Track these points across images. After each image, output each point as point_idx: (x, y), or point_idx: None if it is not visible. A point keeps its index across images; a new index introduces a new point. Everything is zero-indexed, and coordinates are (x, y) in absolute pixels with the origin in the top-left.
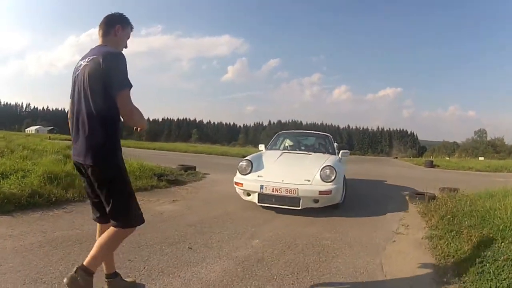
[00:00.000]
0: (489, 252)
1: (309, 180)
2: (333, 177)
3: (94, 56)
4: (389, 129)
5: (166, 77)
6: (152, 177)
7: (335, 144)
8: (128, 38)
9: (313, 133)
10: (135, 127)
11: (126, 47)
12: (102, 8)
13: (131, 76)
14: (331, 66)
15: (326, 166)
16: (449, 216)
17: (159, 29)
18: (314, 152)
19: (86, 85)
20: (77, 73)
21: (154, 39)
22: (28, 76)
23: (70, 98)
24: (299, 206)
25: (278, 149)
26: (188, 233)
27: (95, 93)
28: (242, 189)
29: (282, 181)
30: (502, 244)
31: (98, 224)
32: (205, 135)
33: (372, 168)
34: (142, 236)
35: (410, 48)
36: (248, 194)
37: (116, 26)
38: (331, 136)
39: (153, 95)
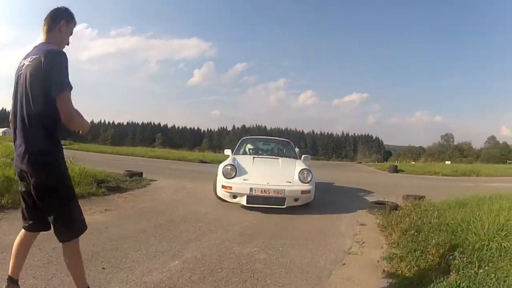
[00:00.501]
0: (464, 283)
1: (290, 182)
2: (309, 179)
3: (36, 56)
4: (354, 134)
5: (134, 79)
6: (92, 183)
7: (297, 149)
8: (71, 34)
9: (275, 139)
10: (77, 131)
11: (68, 44)
12: (75, 7)
13: (102, 77)
14: (299, 71)
15: (303, 169)
16: (413, 231)
17: (129, 30)
18: (280, 156)
19: (28, 86)
20: (19, 73)
21: (124, 40)
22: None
23: (12, 99)
24: (284, 205)
25: (245, 154)
26: (105, 249)
27: (37, 95)
28: (229, 192)
29: (268, 183)
30: (480, 271)
31: (21, 232)
32: (169, 139)
33: (333, 173)
34: (56, 251)
35: (377, 54)
36: (234, 197)
37: (61, 21)
38: (291, 142)
39: (121, 97)
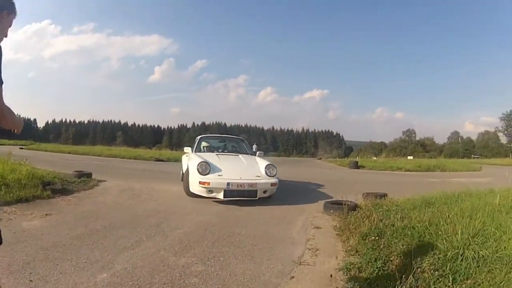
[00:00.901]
0: None
1: (259, 176)
2: (275, 173)
3: None
4: (315, 130)
5: (95, 77)
6: (38, 185)
7: (254, 146)
8: (10, 26)
9: (230, 137)
10: (11, 129)
11: (6, 36)
12: (38, 4)
13: (63, 75)
14: (259, 68)
15: (269, 164)
16: (373, 236)
17: (91, 27)
18: (237, 153)
19: None
20: None
21: (86, 37)
22: None
23: None
24: (256, 197)
25: (204, 151)
26: (37, 259)
27: None
28: (206, 187)
29: (240, 178)
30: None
31: None
32: (129, 137)
33: (291, 170)
34: None
35: (338, 50)
36: (211, 192)
37: (3, 11)
38: (245, 140)
39: (82, 96)
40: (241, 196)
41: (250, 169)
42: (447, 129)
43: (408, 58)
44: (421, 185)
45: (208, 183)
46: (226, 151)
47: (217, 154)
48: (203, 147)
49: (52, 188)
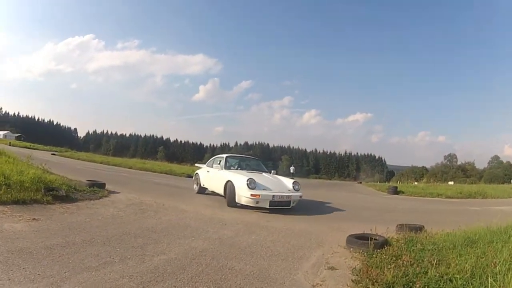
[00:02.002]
0: None
1: (290, 190)
2: (299, 188)
3: None
4: (357, 153)
5: (139, 92)
6: (40, 190)
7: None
8: None
9: (249, 157)
10: None
11: None
12: (82, 17)
13: (106, 89)
14: (303, 90)
15: (295, 181)
16: None
17: (135, 43)
18: (259, 171)
19: None
20: None
21: (130, 53)
22: (4, 80)
23: None
24: (290, 206)
25: (231, 168)
26: None
27: None
28: (256, 199)
29: (279, 191)
30: None
31: None
32: (171, 153)
33: (326, 194)
34: None
35: (382, 74)
36: (257, 202)
37: None
38: (260, 160)
39: (125, 110)
40: (280, 206)
41: (282, 184)
42: (487, 153)
43: (451, 77)
44: (462, 214)
45: (259, 196)
46: (248, 169)
47: (247, 171)
48: (230, 165)
49: (54, 194)
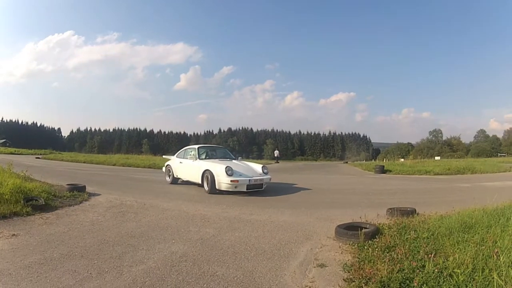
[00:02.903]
0: None
1: (260, 174)
2: (267, 171)
3: None
4: (342, 133)
5: (120, 86)
6: (19, 201)
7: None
8: None
9: (218, 146)
10: None
11: None
12: (60, 15)
13: (87, 85)
14: (285, 72)
15: (263, 166)
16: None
17: (115, 36)
18: (228, 158)
19: None
20: None
21: (110, 47)
22: None
23: None
24: (262, 188)
25: (203, 158)
26: None
27: None
28: (235, 184)
29: (252, 176)
30: None
31: None
32: (155, 145)
33: (310, 178)
34: None
35: (362, 51)
36: (236, 187)
37: None
38: (227, 148)
39: (107, 105)
40: (255, 188)
41: (253, 169)
42: (472, 128)
43: (434, 55)
44: (453, 193)
45: (237, 181)
46: (219, 157)
47: (220, 160)
48: (203, 155)
49: (33, 204)
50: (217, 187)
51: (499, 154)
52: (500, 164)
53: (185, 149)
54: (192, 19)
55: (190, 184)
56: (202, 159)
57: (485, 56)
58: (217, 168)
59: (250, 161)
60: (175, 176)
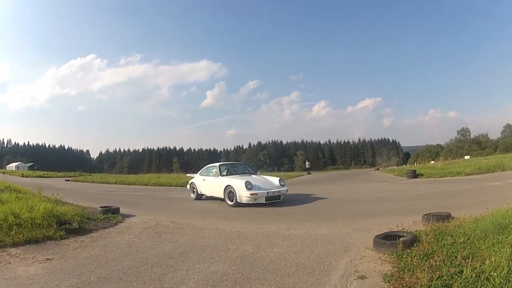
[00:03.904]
0: None
1: (277, 186)
2: (284, 183)
3: None
4: (371, 139)
5: (146, 106)
6: (52, 225)
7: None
8: None
9: (238, 163)
10: None
11: None
12: (82, 39)
13: (113, 106)
14: (309, 83)
15: (280, 179)
16: None
17: (138, 58)
18: (248, 174)
19: None
20: None
21: (133, 68)
22: (9, 110)
23: None
24: (280, 199)
25: (225, 174)
26: None
27: None
28: (254, 197)
29: (270, 189)
30: None
31: None
32: (185, 163)
33: (343, 188)
34: None
35: (385, 55)
36: (255, 199)
37: None
38: (246, 164)
39: (134, 125)
40: (273, 200)
41: (270, 182)
42: (499, 124)
43: (457, 52)
44: (485, 193)
45: (256, 194)
46: (239, 173)
47: (240, 176)
48: (224, 171)
49: (67, 228)
50: (238, 200)
51: None
52: None
53: (207, 167)
54: (214, 36)
55: (214, 200)
56: (223, 175)
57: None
58: (238, 183)
59: (269, 175)
60: (199, 192)
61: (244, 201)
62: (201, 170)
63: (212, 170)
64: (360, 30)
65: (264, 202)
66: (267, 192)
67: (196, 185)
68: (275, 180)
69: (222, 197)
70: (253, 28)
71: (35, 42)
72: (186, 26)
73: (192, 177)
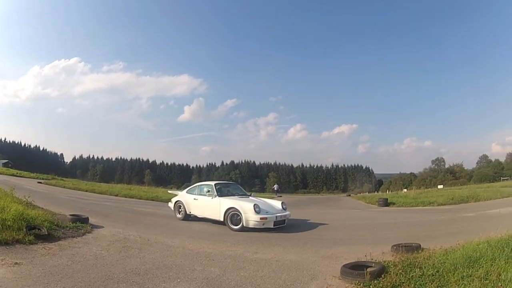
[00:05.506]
0: None
1: (281, 210)
2: (286, 207)
3: None
4: (344, 165)
5: (125, 116)
6: (22, 229)
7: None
8: None
9: (230, 183)
10: None
11: None
12: (67, 41)
13: (92, 112)
14: (287, 105)
15: (282, 202)
16: None
17: (121, 66)
18: (243, 195)
19: None
20: None
21: (116, 76)
22: None
23: None
24: (285, 223)
25: (220, 195)
26: None
27: None
28: (264, 221)
29: (277, 212)
30: None
31: None
32: (158, 176)
33: (313, 213)
34: None
35: (363, 83)
36: (264, 224)
37: None
38: (238, 184)
39: (111, 133)
40: (280, 224)
41: (274, 206)
42: (475, 153)
43: (434, 81)
44: (457, 224)
45: (266, 218)
46: (236, 194)
47: (240, 197)
48: (219, 190)
49: (36, 233)
50: (245, 224)
51: (502, 178)
52: (503, 189)
53: (199, 185)
54: (197, 52)
55: (201, 220)
56: (220, 196)
57: (486, 77)
58: (245, 206)
59: (262, 197)
60: (187, 212)
61: (251, 225)
62: (189, 188)
63: (204, 189)
64: (342, 57)
65: (272, 226)
66: (276, 216)
67: (184, 204)
68: (277, 203)
69: (218, 219)
70: (236, 48)
71: (23, 37)
72: (170, 40)
73: (176, 195)
